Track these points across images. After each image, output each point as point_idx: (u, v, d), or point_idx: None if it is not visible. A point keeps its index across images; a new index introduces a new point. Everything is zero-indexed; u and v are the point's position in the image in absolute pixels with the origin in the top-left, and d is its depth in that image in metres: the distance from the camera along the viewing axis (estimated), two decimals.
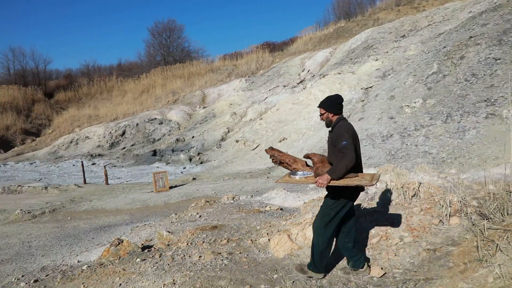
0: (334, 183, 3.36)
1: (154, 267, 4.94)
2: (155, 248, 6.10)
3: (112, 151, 26.51)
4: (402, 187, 5.22)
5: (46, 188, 16.37)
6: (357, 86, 19.87)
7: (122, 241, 6.22)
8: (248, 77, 34.18)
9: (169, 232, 6.66)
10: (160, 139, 27.08)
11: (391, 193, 5.49)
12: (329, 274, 4.09)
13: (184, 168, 19.88)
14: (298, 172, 3.73)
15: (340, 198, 3.54)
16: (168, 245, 6.10)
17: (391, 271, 3.89)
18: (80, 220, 11.00)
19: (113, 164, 22.77)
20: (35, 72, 47.59)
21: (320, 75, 25.03)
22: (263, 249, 5.06)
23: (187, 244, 5.76)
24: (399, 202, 5.24)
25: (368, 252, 4.30)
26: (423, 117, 13.41)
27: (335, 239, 3.86)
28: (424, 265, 3.82)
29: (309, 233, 4.72)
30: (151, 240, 7.12)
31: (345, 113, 18.57)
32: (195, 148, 23.01)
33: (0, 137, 31.56)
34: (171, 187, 14.58)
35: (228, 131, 23.72)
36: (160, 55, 49.89)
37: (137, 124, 28.99)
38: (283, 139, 18.74)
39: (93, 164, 23.50)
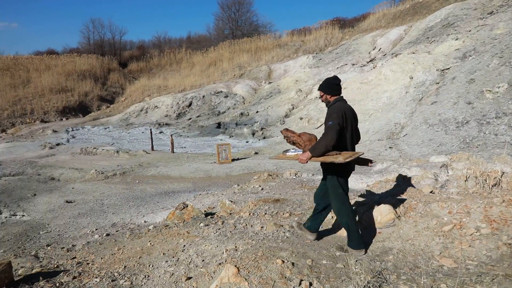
0: (313, 159, 3.62)
1: (217, 233, 5.02)
2: (217, 216, 6.16)
3: (178, 121, 27.16)
4: (481, 175, 4.81)
5: (117, 152, 17.33)
6: (432, 67, 18.61)
7: (187, 206, 6.32)
8: (316, 53, 33.28)
9: (231, 201, 6.69)
10: (224, 112, 27.24)
11: (466, 181, 5.30)
12: (396, 257, 3.88)
13: (247, 142, 19.92)
14: (290, 150, 4.00)
15: (336, 175, 3.78)
16: (231, 213, 6.16)
17: (464, 262, 3.63)
18: (147, 184, 11.34)
19: (179, 134, 23.38)
20: (111, 43, 50.29)
21: (392, 54, 23.75)
22: (325, 226, 4.98)
23: (249, 214, 5.76)
24: (476, 191, 4.87)
25: (439, 239, 4.04)
26: (507, 103, 12.27)
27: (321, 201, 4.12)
28: (504, 260, 3.52)
29: (375, 213, 4.53)
30: (213, 208, 7.20)
31: (416, 95, 17.52)
32: (258, 123, 22.92)
33: (80, 102, 33.72)
34: (233, 160, 14.68)
35: (293, 108, 23.32)
36: (229, 28, 50.12)
37: (203, 96, 29.38)
38: None
39: (161, 132, 24.16)
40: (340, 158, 3.50)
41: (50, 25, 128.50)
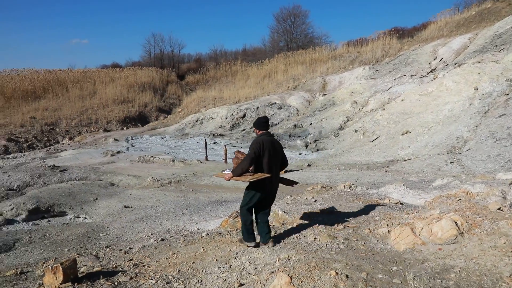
0: (233, 178, 4.69)
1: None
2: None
3: (232, 132, 27.28)
4: None
5: (173, 161, 17.72)
6: (501, 77, 17.52)
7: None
8: (372, 65, 32.53)
9: (284, 212, 6.65)
10: (278, 123, 27.11)
11: None
12: (458, 276, 3.67)
13: (300, 154, 19.67)
14: (227, 170, 4.97)
15: (250, 189, 4.83)
16: (283, 224, 6.16)
17: None
18: (200, 192, 11.42)
19: (233, 144, 23.30)
20: (170, 56, 52.39)
21: (455, 64, 22.65)
22: (381, 240, 4.88)
23: (302, 225, 5.77)
24: None
25: (508, 260, 3.78)
26: None
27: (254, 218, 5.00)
28: None
29: (435, 228, 4.32)
30: None
31: (482, 108, 16.55)
32: (312, 135, 22.65)
33: (140, 112, 35.13)
34: (286, 171, 14.24)
35: (347, 120, 22.93)
36: (284, 40, 50.43)
37: (257, 108, 29.33)
38: (406, 132, 17.50)
39: (215, 143, 24.43)
40: (246, 179, 4.55)
41: (116, 40, 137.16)
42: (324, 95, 30.34)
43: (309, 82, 34.28)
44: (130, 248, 6.08)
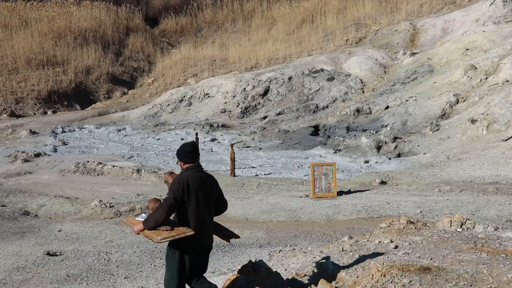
0: (144, 233, 4.19)
1: None
2: None
3: (244, 121, 21.28)
4: None
5: (138, 171, 14.71)
6: None
7: (259, 269, 5.47)
8: None
9: (338, 266, 5.88)
10: (327, 106, 20.78)
11: None
12: None
13: (367, 161, 15.72)
14: (141, 214, 4.58)
15: (174, 250, 4.30)
16: (337, 287, 5.47)
17: None
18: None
19: (245, 143, 18.83)
20: None
21: None
22: None
23: None
24: None
25: None
26: None
27: None
28: None
29: None
30: (304, 275, 6.08)
31: None
32: (389, 128, 17.48)
33: (77, 84, 26.53)
34: (340, 193, 11.97)
35: (457, 101, 17.56)
36: None
37: (289, 78, 22.68)
38: None
39: (213, 140, 19.57)
40: (158, 238, 4.06)
41: None
42: (413, 54, 23.07)
43: (384, 32, 26.27)
44: None
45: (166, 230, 4.01)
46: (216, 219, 4.70)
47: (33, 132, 20.60)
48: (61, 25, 29.65)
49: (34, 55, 26.31)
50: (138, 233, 4.22)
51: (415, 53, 22.69)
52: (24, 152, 16.93)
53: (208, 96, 22.58)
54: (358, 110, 18.88)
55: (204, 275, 5.70)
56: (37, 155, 16.88)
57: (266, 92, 22.13)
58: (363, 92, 21.02)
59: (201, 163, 4.58)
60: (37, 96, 24.37)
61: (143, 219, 4.22)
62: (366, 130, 17.53)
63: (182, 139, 19.56)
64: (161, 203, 4.14)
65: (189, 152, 4.29)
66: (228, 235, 4.71)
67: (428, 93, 18.52)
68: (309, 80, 21.79)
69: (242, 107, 21.49)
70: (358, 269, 5.64)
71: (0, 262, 7.87)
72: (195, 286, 4.40)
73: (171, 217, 4.24)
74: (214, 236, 4.74)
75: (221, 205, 4.52)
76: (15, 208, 11.41)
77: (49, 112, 24.19)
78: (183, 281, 4.28)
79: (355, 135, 17.25)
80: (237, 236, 4.82)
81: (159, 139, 20.04)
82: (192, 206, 4.15)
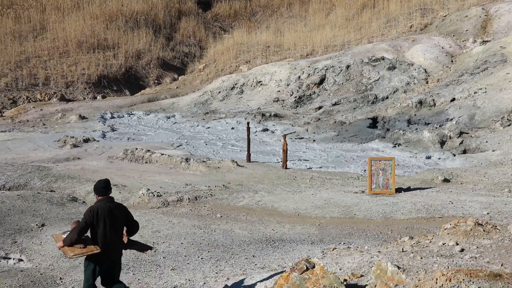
0: (63, 249, 5.32)
1: None
2: None
3: (298, 111, 20.90)
4: None
5: (187, 160, 14.66)
6: None
7: (313, 267, 5.32)
8: None
9: (397, 267, 5.45)
10: (387, 97, 20.18)
11: None
12: None
13: (429, 157, 15.48)
14: (66, 232, 5.45)
15: (88, 261, 5.44)
16: None
17: None
18: (235, 221, 9.61)
19: (298, 135, 18.62)
20: None
21: None
22: None
23: None
24: None
25: None
26: None
27: None
28: None
29: None
30: (361, 275, 5.83)
31: None
32: (455, 122, 17.05)
33: (127, 69, 26.31)
34: (398, 190, 11.64)
35: None
36: None
37: (347, 67, 22.13)
38: None
39: (265, 130, 19.47)
40: (71, 254, 5.17)
41: None
42: (484, 42, 22.23)
43: (453, 18, 25.32)
44: None
45: (80, 248, 5.14)
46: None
47: (82, 117, 20.78)
48: (113, 8, 29.47)
49: (85, 38, 26.15)
50: (59, 249, 5.37)
51: (487, 41, 21.61)
52: (73, 137, 17.16)
53: (261, 84, 22.24)
54: (420, 102, 18.18)
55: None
56: (86, 140, 17.08)
57: (322, 81, 21.59)
58: (427, 82, 20.19)
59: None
60: (87, 80, 24.45)
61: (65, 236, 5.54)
62: (429, 124, 16.94)
63: (232, 128, 19.59)
64: (75, 227, 5.24)
65: (101, 188, 5.38)
66: (144, 248, 5.83)
67: (500, 85, 17.73)
68: (368, 69, 21.10)
69: (296, 96, 21.01)
70: (420, 272, 5.39)
71: (48, 248, 7.91)
72: None
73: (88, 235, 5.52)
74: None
75: (133, 227, 5.57)
76: (64, 193, 11.52)
77: (99, 97, 24.35)
78: (93, 283, 5.34)
79: (416, 129, 16.60)
80: (151, 248, 6.06)
81: (209, 127, 19.83)
82: (101, 230, 5.21)
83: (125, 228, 5.56)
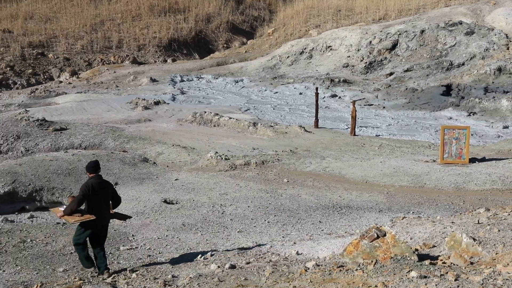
0: (63, 217, 6.51)
1: None
2: (443, 262, 4.90)
3: (368, 78, 20.59)
4: None
5: (254, 125, 14.96)
6: None
7: (384, 235, 5.23)
8: None
9: (473, 239, 5.32)
10: (463, 64, 19.60)
11: None
12: None
13: (506, 127, 15.18)
14: (63, 206, 6.96)
15: (81, 225, 6.47)
16: (472, 263, 4.85)
17: None
18: (302, 187, 9.55)
19: (368, 101, 18.45)
20: None
21: None
22: None
23: None
24: None
25: None
26: None
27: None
28: None
29: None
30: (433, 246, 5.72)
31: None
32: None
33: (197, 33, 25.95)
34: (472, 160, 11.25)
35: None
36: None
37: (421, 31, 21.52)
38: None
39: (333, 96, 19.47)
40: (72, 220, 6.33)
41: None
42: None
43: None
44: (173, 277, 5.45)
45: (78, 216, 6.23)
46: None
47: (153, 80, 21.27)
48: None
49: (157, 1, 26.14)
50: (60, 217, 6.54)
51: None
52: (144, 99, 17.56)
53: (330, 49, 21.81)
54: (499, 69, 17.59)
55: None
56: (157, 103, 17.49)
57: (394, 46, 21.05)
58: (508, 48, 19.31)
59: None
60: (158, 43, 24.61)
61: (63, 209, 6.57)
62: (507, 92, 16.22)
63: (300, 93, 19.43)
64: (74, 198, 6.38)
65: (92, 167, 6.44)
66: (123, 217, 6.88)
67: None
68: (444, 34, 20.35)
69: (366, 62, 20.54)
70: (498, 245, 5.24)
71: (121, 206, 8.27)
72: (94, 252, 6.49)
73: (83, 207, 6.50)
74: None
75: (116, 200, 6.63)
76: (135, 154, 12.06)
77: (169, 60, 24.60)
78: (84, 241, 6.38)
79: (494, 97, 15.97)
80: (129, 217, 7.05)
81: (276, 92, 19.88)
82: (94, 202, 6.30)
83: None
